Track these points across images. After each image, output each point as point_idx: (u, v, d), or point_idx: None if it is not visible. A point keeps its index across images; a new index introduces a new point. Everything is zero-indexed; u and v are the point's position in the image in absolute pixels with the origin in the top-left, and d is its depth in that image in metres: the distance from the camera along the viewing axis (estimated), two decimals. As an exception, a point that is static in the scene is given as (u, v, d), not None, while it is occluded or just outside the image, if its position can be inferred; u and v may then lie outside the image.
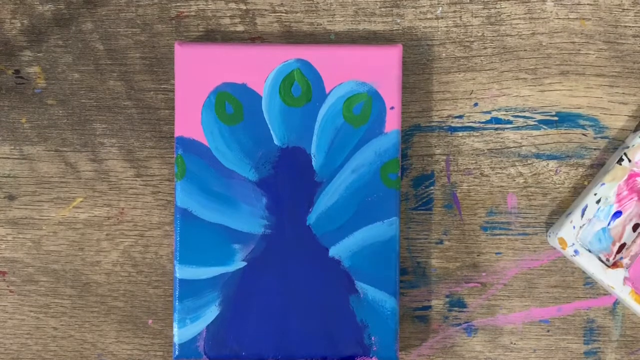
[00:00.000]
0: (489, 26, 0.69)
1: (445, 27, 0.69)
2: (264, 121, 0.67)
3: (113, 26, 0.69)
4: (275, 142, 0.67)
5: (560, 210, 0.70)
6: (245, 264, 0.67)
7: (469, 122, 0.69)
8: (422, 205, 0.70)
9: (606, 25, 0.69)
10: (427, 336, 0.70)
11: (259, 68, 0.67)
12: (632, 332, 0.70)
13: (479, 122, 0.70)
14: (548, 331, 0.70)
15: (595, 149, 0.70)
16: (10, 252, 0.69)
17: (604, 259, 0.67)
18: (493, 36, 0.69)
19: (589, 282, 0.69)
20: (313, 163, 0.67)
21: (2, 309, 0.69)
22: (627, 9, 0.69)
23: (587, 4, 0.69)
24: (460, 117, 0.69)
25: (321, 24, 0.69)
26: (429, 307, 0.70)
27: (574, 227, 0.67)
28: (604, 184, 0.67)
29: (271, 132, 0.67)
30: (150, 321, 0.69)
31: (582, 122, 0.69)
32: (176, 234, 0.66)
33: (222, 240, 0.66)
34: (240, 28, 0.69)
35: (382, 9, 0.69)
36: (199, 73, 0.66)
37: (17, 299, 0.69)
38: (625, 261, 0.67)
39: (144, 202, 0.69)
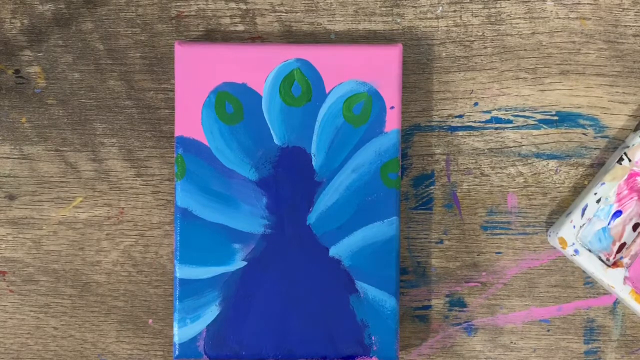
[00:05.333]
0: (489, 26, 0.69)
1: (446, 26, 0.69)
2: (264, 121, 0.67)
3: (113, 26, 0.69)
4: (276, 141, 0.67)
5: (560, 210, 0.70)
6: (245, 263, 0.67)
7: (469, 122, 0.69)
8: (422, 204, 0.70)
9: (606, 24, 0.69)
10: (427, 336, 0.70)
11: (259, 68, 0.67)
12: (632, 332, 0.70)
13: (479, 122, 0.70)
14: (548, 331, 0.70)
15: (595, 149, 0.70)
16: (10, 252, 0.69)
17: (604, 258, 0.67)
18: (493, 36, 0.69)
19: (589, 282, 0.69)
20: (313, 163, 0.67)
21: (2, 309, 0.69)
22: (627, 9, 0.69)
23: (587, 4, 0.69)
24: (460, 116, 0.69)
25: (321, 24, 0.69)
26: (429, 306, 0.70)
27: (574, 227, 0.67)
28: (604, 183, 0.67)
29: (271, 131, 0.67)
30: (150, 321, 0.69)
31: (582, 121, 0.69)
32: (176, 234, 0.66)
33: (222, 240, 0.66)
34: (240, 28, 0.69)
35: (382, 9, 0.69)
36: (199, 73, 0.66)
37: (17, 298, 0.69)
38: (626, 261, 0.67)
39: (144, 202, 0.69)
